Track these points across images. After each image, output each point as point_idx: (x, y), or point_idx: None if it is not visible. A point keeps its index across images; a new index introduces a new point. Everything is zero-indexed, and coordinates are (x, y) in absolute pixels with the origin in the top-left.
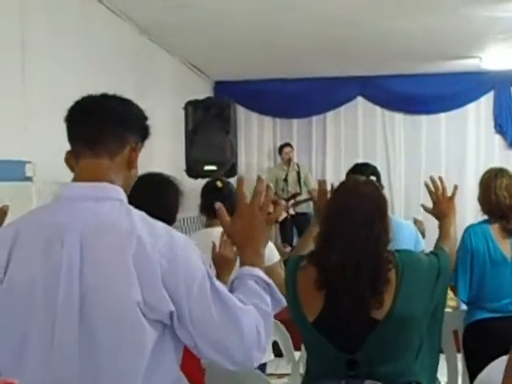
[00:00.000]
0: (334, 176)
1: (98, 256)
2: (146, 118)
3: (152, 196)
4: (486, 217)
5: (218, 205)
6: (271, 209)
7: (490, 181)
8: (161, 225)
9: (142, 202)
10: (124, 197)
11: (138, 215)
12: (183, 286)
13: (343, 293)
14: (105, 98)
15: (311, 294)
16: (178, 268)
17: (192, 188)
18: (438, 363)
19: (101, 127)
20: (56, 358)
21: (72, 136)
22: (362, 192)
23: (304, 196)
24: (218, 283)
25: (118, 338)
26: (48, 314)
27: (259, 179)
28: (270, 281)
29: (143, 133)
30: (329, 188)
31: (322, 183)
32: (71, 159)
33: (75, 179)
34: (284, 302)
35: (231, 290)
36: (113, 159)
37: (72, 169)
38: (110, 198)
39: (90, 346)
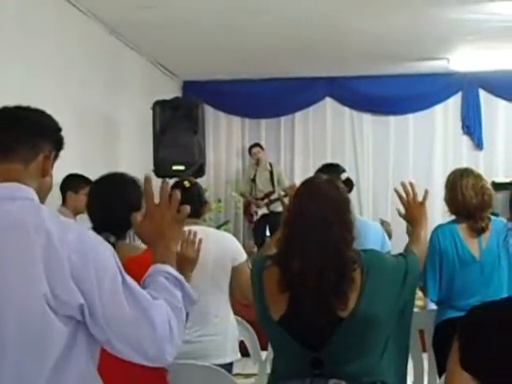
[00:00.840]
0: (303, 176)
1: (3, 252)
2: (59, 130)
3: (115, 194)
4: (453, 217)
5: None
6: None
7: (456, 181)
8: (73, 222)
9: (105, 200)
10: (35, 196)
11: (49, 212)
12: (94, 281)
13: (306, 297)
14: (20, 108)
15: (276, 294)
16: (89, 262)
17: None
18: (406, 363)
19: (15, 134)
20: None
21: None
22: (320, 193)
23: (277, 194)
24: (129, 279)
25: (22, 333)
26: None
27: (146, 180)
28: (181, 277)
29: (57, 143)
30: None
31: (293, 187)
32: None
33: None
34: (195, 298)
35: (143, 288)
36: (26, 166)
37: None
38: (20, 198)
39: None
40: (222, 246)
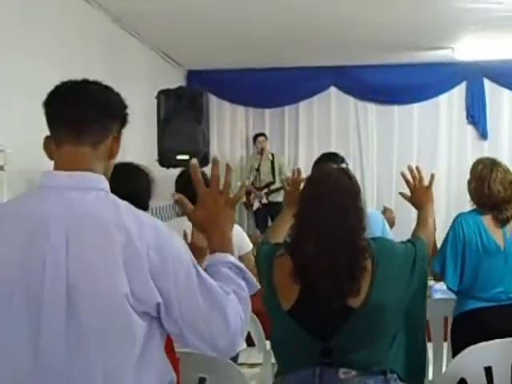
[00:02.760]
0: (307, 165)
1: (84, 249)
2: (126, 107)
3: (123, 185)
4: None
5: (178, 195)
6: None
7: (485, 173)
8: (144, 214)
9: (113, 191)
10: (107, 186)
11: (124, 205)
12: (171, 278)
13: (320, 280)
14: (87, 83)
15: (287, 283)
16: (166, 259)
17: (164, 177)
18: (422, 352)
19: (86, 114)
20: (42, 350)
21: (53, 121)
22: (334, 180)
23: (278, 185)
24: (202, 272)
25: (107, 331)
26: (33, 307)
27: (214, 163)
28: (242, 265)
29: (124, 122)
30: (303, 178)
31: (296, 172)
32: (51, 145)
33: (56, 167)
34: (257, 285)
35: None
36: (96, 148)
37: (50, 156)
38: (93, 188)
39: (78, 340)
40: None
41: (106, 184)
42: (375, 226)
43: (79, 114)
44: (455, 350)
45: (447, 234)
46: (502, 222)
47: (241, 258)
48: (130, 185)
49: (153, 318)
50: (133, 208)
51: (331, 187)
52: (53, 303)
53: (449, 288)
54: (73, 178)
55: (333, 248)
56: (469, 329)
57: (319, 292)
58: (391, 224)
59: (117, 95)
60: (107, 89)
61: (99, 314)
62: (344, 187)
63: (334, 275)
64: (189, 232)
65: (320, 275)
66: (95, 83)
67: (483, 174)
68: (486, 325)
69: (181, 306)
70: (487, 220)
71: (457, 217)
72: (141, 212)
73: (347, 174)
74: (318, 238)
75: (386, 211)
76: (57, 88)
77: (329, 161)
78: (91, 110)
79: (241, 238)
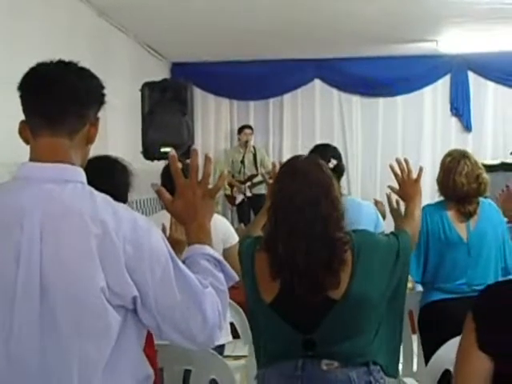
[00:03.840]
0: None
1: (59, 241)
2: (103, 88)
3: (102, 178)
4: (442, 198)
5: (156, 186)
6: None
7: (452, 165)
8: (122, 207)
9: (91, 184)
10: (85, 178)
11: (101, 197)
12: (148, 272)
13: (297, 279)
14: (63, 68)
15: (267, 277)
16: (143, 253)
17: (149, 170)
18: (399, 344)
19: (62, 104)
20: (16, 343)
21: (29, 109)
22: (302, 173)
23: (260, 178)
24: (181, 265)
25: (82, 324)
26: (5, 300)
27: (194, 153)
28: (220, 257)
29: (102, 103)
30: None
31: (274, 166)
32: (26, 131)
33: (33, 159)
34: (235, 277)
35: None
36: (72, 138)
37: (26, 141)
38: (71, 180)
39: (52, 333)
40: (215, 229)
41: (83, 176)
42: (368, 217)
43: (54, 106)
44: (423, 342)
45: None
46: (465, 216)
47: (226, 251)
48: (109, 178)
49: (128, 312)
50: (111, 201)
51: (298, 181)
52: (26, 296)
53: (414, 280)
54: (49, 170)
55: (305, 245)
56: (434, 320)
57: (297, 289)
58: (382, 217)
59: (93, 78)
60: (83, 72)
61: (74, 307)
62: (312, 179)
63: (309, 272)
64: (168, 225)
65: (295, 274)
66: (72, 67)
67: (450, 166)
68: (449, 316)
69: (157, 300)
70: (451, 212)
71: (422, 208)
72: (120, 205)
73: (315, 164)
74: (289, 236)
75: (377, 204)
76: (31, 73)
77: (319, 152)
78: (68, 101)
79: (225, 230)
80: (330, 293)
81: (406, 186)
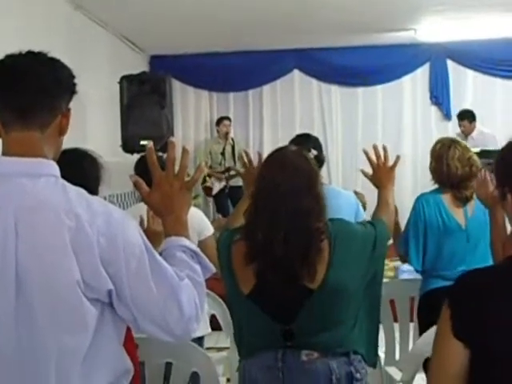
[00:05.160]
0: (272, 148)
1: (33, 236)
2: (74, 77)
3: (72, 171)
4: (436, 186)
5: (134, 177)
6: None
7: (443, 151)
8: (97, 200)
9: (63, 177)
10: (58, 172)
11: (74, 191)
12: (122, 264)
13: (272, 268)
14: (33, 59)
15: (245, 268)
16: (117, 246)
17: (128, 163)
18: (377, 333)
19: (34, 98)
20: None
21: None
22: (289, 163)
23: (233, 170)
24: (157, 257)
25: (58, 316)
26: None
27: (170, 145)
28: (197, 249)
29: (72, 93)
30: (257, 159)
31: (244, 156)
32: None
33: (5, 153)
34: (212, 268)
35: None
36: (44, 131)
37: None
38: (44, 174)
39: (28, 325)
40: (190, 221)
41: (56, 170)
42: (348, 206)
43: (24, 99)
44: (422, 330)
45: (410, 216)
46: (462, 201)
47: (201, 243)
48: (79, 171)
49: (104, 305)
50: (84, 194)
51: (284, 172)
52: (1, 289)
53: (415, 269)
54: (22, 165)
55: (284, 234)
56: (433, 308)
57: (273, 279)
58: (363, 208)
59: (64, 68)
60: (53, 62)
61: (50, 300)
62: (298, 170)
63: (286, 262)
64: (146, 217)
65: (272, 262)
66: (40, 58)
67: (441, 153)
68: None
69: (132, 293)
70: (447, 199)
71: (418, 198)
72: (94, 198)
73: (304, 156)
74: (270, 224)
75: (358, 195)
76: (0, 66)
77: (300, 143)
78: (38, 94)
79: (199, 221)
80: (307, 283)
81: (381, 172)
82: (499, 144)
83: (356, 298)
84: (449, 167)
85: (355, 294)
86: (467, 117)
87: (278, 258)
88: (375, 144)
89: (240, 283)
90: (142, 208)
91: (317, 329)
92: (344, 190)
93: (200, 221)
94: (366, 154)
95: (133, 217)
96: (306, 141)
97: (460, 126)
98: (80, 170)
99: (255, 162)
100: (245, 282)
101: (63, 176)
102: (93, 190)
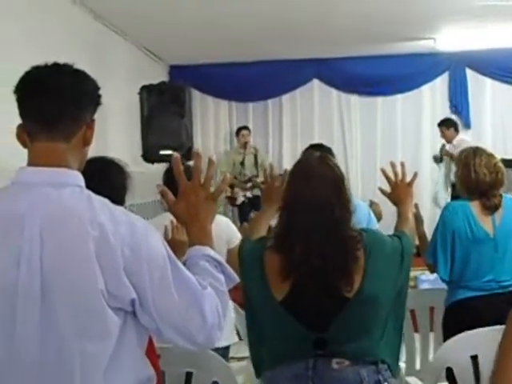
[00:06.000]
0: (291, 158)
1: (59, 244)
2: (98, 88)
3: (98, 180)
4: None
5: (161, 186)
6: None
7: (469, 159)
8: (120, 210)
9: (88, 186)
10: (83, 182)
11: (98, 201)
12: (146, 274)
13: (311, 280)
14: (58, 71)
15: (278, 277)
16: (141, 256)
17: (149, 172)
18: (400, 343)
19: (58, 109)
20: (18, 344)
21: (25, 113)
22: (316, 174)
23: (261, 179)
24: (180, 266)
25: (82, 326)
26: (6, 303)
27: (197, 156)
28: (221, 258)
29: (97, 105)
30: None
31: (272, 168)
32: (23, 135)
33: (30, 163)
34: (236, 278)
35: None
36: (69, 142)
37: (24, 144)
38: (69, 184)
39: (54, 332)
40: (218, 229)
41: (81, 180)
42: (360, 216)
43: (50, 111)
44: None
45: (437, 225)
46: (490, 210)
47: (231, 250)
48: (105, 180)
49: (127, 314)
50: (109, 204)
51: (314, 181)
52: (28, 296)
53: (442, 279)
54: (47, 174)
55: (323, 246)
56: (460, 318)
57: (310, 292)
58: (378, 218)
59: (89, 80)
60: (78, 74)
61: (74, 309)
62: (327, 179)
63: (324, 273)
64: (170, 227)
65: (310, 274)
66: (65, 70)
67: (468, 161)
68: (477, 314)
69: (155, 302)
70: (476, 208)
71: (445, 206)
72: (117, 208)
73: (328, 163)
74: (306, 237)
75: (372, 205)
76: (25, 77)
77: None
78: (63, 105)
79: (227, 229)
80: (344, 291)
81: (399, 189)
82: None
83: (386, 308)
84: (477, 174)
85: (385, 304)
86: (445, 124)
87: (316, 270)
88: (393, 161)
89: (273, 289)
90: (167, 217)
91: (348, 337)
92: (357, 200)
93: (228, 229)
94: (384, 172)
95: (157, 226)
96: (319, 151)
97: (441, 132)
98: (107, 178)
99: (280, 178)
100: (278, 289)
101: (90, 185)
102: (120, 199)
